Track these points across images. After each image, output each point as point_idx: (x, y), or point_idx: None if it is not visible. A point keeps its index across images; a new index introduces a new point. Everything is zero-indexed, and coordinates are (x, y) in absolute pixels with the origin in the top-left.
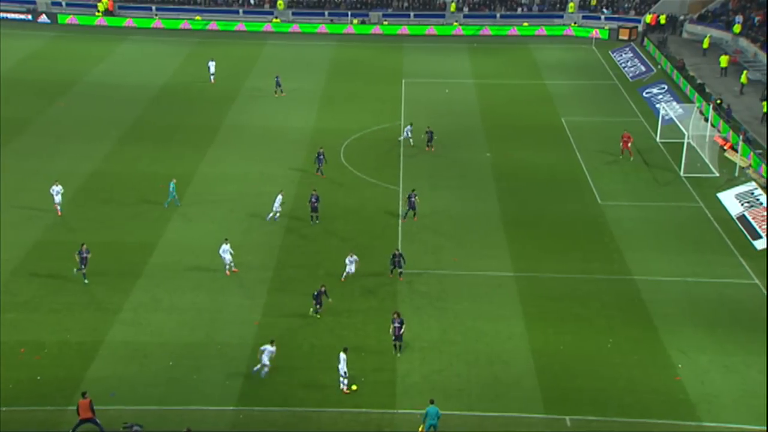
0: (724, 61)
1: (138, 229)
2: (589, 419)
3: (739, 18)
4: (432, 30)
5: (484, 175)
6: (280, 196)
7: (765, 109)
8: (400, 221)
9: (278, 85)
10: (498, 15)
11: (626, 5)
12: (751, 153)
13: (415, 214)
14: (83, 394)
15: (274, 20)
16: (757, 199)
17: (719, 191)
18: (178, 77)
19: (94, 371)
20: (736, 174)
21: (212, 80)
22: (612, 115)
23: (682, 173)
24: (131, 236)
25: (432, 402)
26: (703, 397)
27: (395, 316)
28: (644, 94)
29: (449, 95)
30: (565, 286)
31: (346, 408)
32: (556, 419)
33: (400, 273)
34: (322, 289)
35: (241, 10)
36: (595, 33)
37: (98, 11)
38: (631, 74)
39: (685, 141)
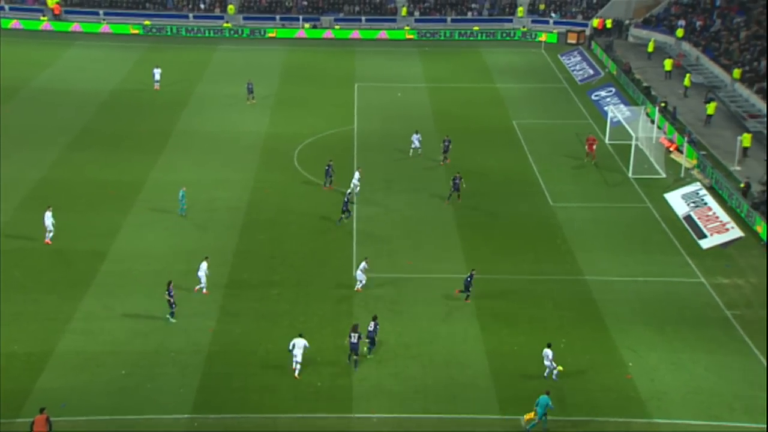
0: (668, 64)
1: (88, 236)
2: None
3: (682, 22)
4: (384, 34)
5: (436, 177)
6: (204, 264)
7: (708, 112)
8: (444, 203)
9: (250, 91)
10: (449, 19)
11: (574, 10)
12: (696, 155)
13: (459, 196)
14: (41, 410)
15: (225, 24)
16: (702, 200)
17: (666, 192)
18: (128, 83)
19: (44, 382)
20: (682, 175)
21: (157, 87)
22: (562, 118)
23: (630, 174)
24: (81, 244)
25: (547, 393)
26: (653, 394)
27: (353, 330)
28: (593, 96)
29: (402, 99)
30: (518, 288)
31: (303, 413)
32: (511, 419)
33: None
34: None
35: (191, 15)
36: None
37: (44, 16)
38: (579, 77)
39: (633, 143)
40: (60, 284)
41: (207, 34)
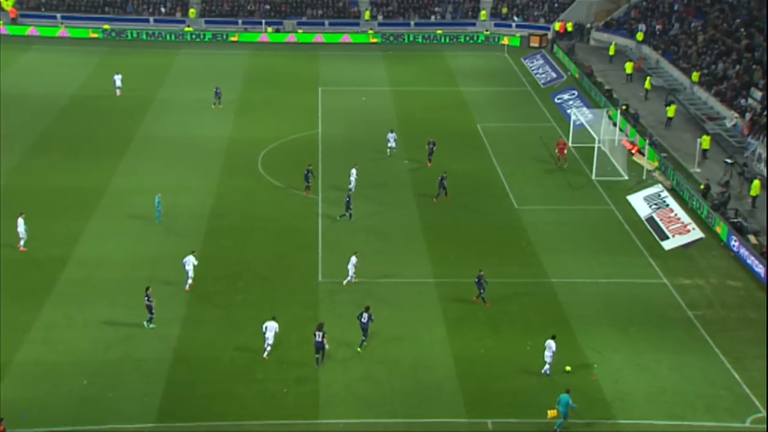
0: (629, 67)
1: (48, 244)
2: (510, 421)
3: (642, 26)
4: (347, 38)
5: (402, 182)
6: (190, 257)
7: (668, 114)
8: (433, 201)
9: (218, 96)
10: (412, 23)
11: (536, 13)
12: (657, 157)
13: (446, 194)
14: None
15: (186, 28)
16: (664, 201)
17: (629, 194)
18: (88, 88)
19: (2, 393)
20: (644, 177)
21: (118, 93)
22: (526, 121)
23: (593, 177)
24: (41, 252)
25: (567, 391)
26: (618, 395)
27: (317, 329)
28: (556, 99)
29: (366, 103)
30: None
31: (269, 420)
32: (478, 422)
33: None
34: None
35: (151, 19)
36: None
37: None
38: (542, 80)
39: (596, 145)
40: (19, 293)
41: (168, 39)
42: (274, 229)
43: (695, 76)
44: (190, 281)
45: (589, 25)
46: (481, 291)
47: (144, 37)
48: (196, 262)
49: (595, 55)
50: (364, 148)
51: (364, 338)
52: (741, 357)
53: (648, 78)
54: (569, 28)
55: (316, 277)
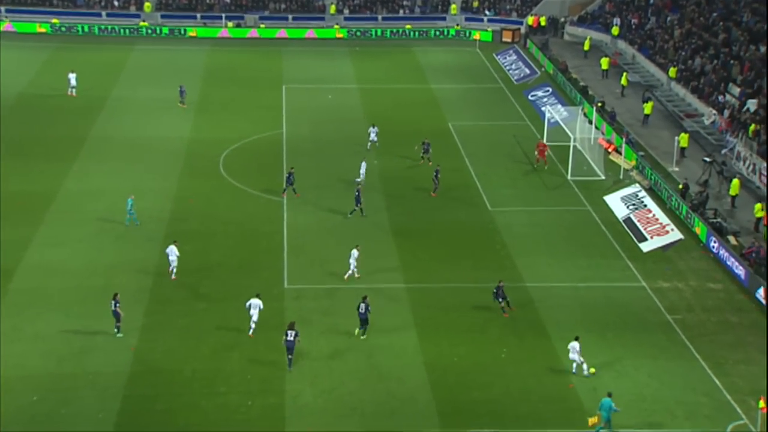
0: (604, 63)
1: None
2: None
3: (617, 20)
4: (312, 33)
5: (371, 184)
6: (173, 247)
7: (645, 111)
8: (431, 195)
9: (182, 95)
10: (380, 17)
11: (508, 7)
12: (635, 156)
13: (435, 189)
14: None
15: (142, 23)
16: (642, 201)
17: (605, 194)
18: (36, 86)
19: None
20: (621, 176)
21: (73, 93)
22: (499, 119)
23: (569, 177)
24: None
25: (609, 395)
26: (596, 403)
27: (289, 327)
28: (529, 97)
29: (333, 101)
30: (457, 296)
31: None
32: None
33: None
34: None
35: (104, 13)
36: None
37: None
38: (515, 77)
39: (571, 144)
40: None
41: (122, 33)
42: (237, 233)
43: (672, 71)
44: (173, 270)
45: (563, 20)
46: (501, 301)
47: (96, 32)
48: (178, 253)
49: (569, 51)
50: (331, 148)
51: (364, 327)
52: (722, 362)
53: (624, 74)
54: (543, 23)
55: (282, 283)
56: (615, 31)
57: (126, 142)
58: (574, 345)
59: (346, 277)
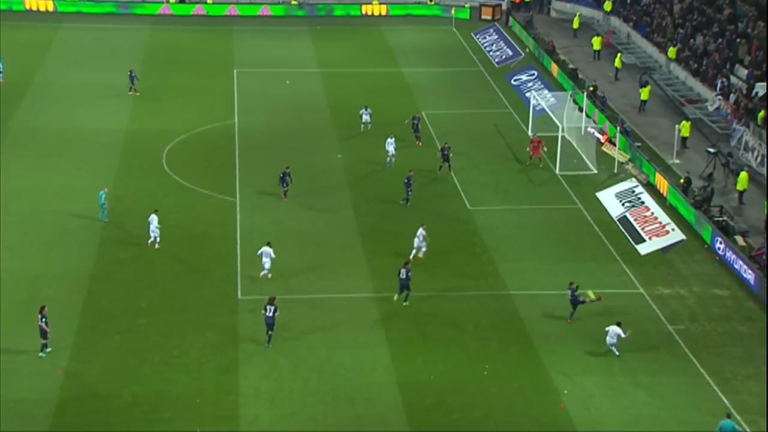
0: (596, 43)
1: None
2: None
3: None
4: (266, 10)
5: (336, 181)
6: (154, 216)
7: (642, 97)
8: (437, 173)
9: (132, 80)
10: None
11: None
12: (630, 147)
13: (450, 168)
14: None
15: None
16: (639, 198)
17: (598, 190)
18: None
19: None
20: (616, 170)
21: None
22: (478, 107)
23: (557, 171)
24: None
25: (728, 416)
26: (590, 424)
27: (269, 302)
28: (512, 81)
29: (291, 87)
30: (433, 306)
31: None
32: None
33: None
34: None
35: None
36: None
37: None
38: (497, 59)
39: (560, 134)
40: None
41: (45, 10)
42: (183, 238)
43: (672, 52)
44: (156, 239)
45: None
46: (575, 307)
47: (16, 6)
48: (159, 226)
49: (556, 29)
50: (289, 140)
51: (407, 292)
52: (730, 378)
53: (618, 55)
54: None
55: (235, 294)
56: (608, 6)
57: (53, 135)
58: (615, 329)
59: (411, 257)
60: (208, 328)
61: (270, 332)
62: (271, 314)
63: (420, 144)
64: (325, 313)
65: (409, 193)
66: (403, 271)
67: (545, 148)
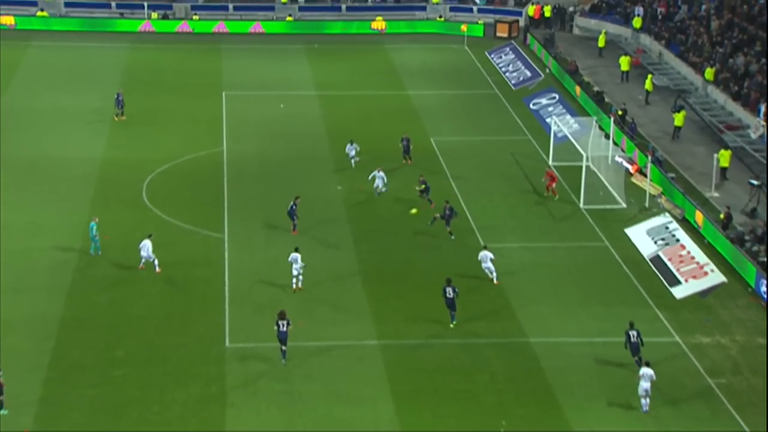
0: (624, 63)
1: None
2: None
3: (639, 10)
4: (258, 26)
5: (335, 215)
6: (147, 242)
7: (676, 123)
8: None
9: (120, 105)
10: (344, 7)
11: None
12: (663, 178)
13: (410, 158)
14: None
15: (40, 13)
16: (673, 236)
17: (627, 226)
18: None
19: None
20: (647, 204)
21: None
22: (493, 133)
23: (581, 205)
24: None
25: None
26: None
27: (280, 317)
28: (531, 105)
29: (285, 111)
30: (443, 355)
31: None
32: None
33: None
34: None
35: None
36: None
37: None
38: (513, 81)
39: (584, 164)
40: None
41: (15, 26)
42: (164, 278)
43: (709, 73)
44: (155, 261)
45: (571, 9)
46: (637, 352)
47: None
48: (150, 252)
49: (580, 48)
50: (283, 170)
51: (453, 312)
52: None
53: (649, 76)
54: (547, 13)
55: (222, 341)
56: (637, 22)
57: (20, 165)
58: (646, 372)
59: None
60: (192, 379)
61: (283, 347)
62: (284, 329)
63: (410, 162)
64: (322, 362)
65: (448, 223)
66: (449, 289)
67: (554, 185)
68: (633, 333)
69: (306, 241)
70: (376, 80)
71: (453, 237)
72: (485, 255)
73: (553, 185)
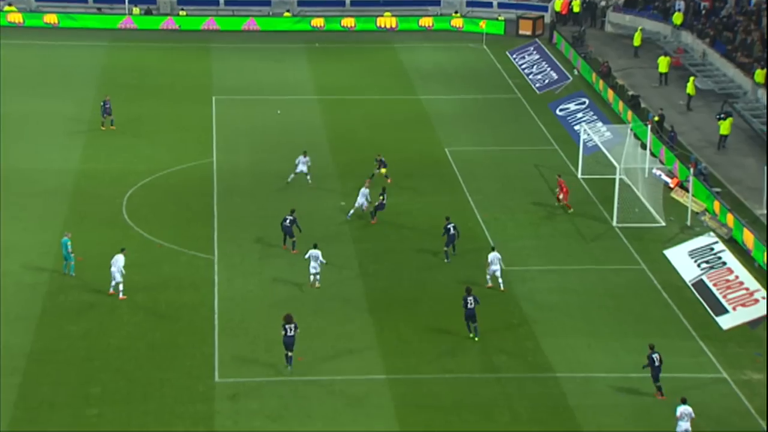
0: (663, 63)
1: None
2: None
3: (680, 4)
4: (253, 23)
5: (337, 233)
6: (120, 257)
7: (721, 131)
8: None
9: (107, 112)
10: (348, 2)
11: None
12: (708, 193)
13: (454, 248)
14: None
15: (8, 8)
16: (719, 258)
17: (667, 247)
18: None
19: None
20: (689, 222)
21: None
22: (515, 143)
23: (615, 223)
24: None
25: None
26: None
27: (286, 321)
28: (558, 111)
29: (282, 117)
30: (458, 392)
31: None
32: None
33: None
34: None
35: None
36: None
37: None
38: (538, 84)
39: (617, 177)
40: None
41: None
42: (146, 305)
43: (759, 75)
44: (115, 286)
45: (603, 3)
46: (657, 379)
47: None
48: (122, 269)
49: (613, 47)
50: (280, 184)
51: (474, 324)
52: None
53: (691, 79)
54: (575, 8)
55: (211, 376)
56: (677, 18)
57: None
58: (686, 409)
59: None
60: (176, 419)
61: (289, 353)
62: (292, 333)
63: (384, 176)
64: (323, 399)
65: (449, 246)
66: (470, 299)
67: (561, 196)
68: (656, 356)
69: (304, 262)
70: (383, 83)
71: (448, 259)
72: (495, 257)
73: (565, 196)
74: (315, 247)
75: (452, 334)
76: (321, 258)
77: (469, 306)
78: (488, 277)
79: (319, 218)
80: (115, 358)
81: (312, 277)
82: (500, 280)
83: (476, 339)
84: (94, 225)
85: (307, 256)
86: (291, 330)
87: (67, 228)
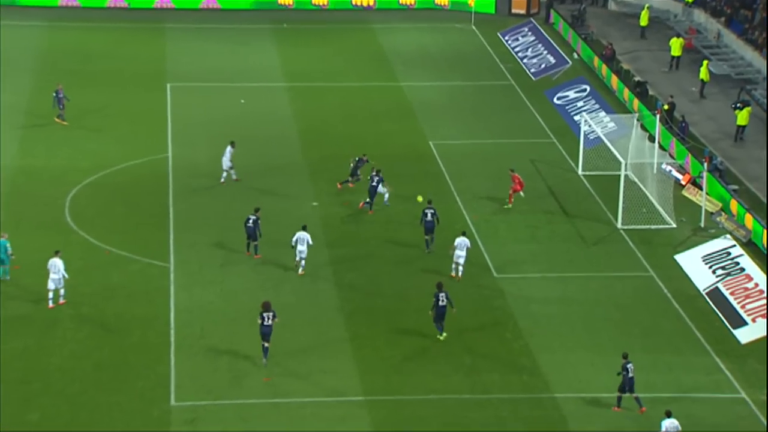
0: (676, 46)
1: None
2: None
3: None
4: (212, 0)
5: (315, 239)
6: (57, 261)
7: (739, 121)
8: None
9: (60, 104)
10: None
11: None
12: (724, 191)
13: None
14: None
15: None
16: (736, 263)
17: (678, 252)
18: None
19: None
20: (702, 224)
21: None
22: (508, 135)
23: (619, 224)
24: None
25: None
26: None
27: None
28: (555, 100)
29: (247, 107)
30: (446, 414)
31: None
32: None
33: None
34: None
35: None
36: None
37: None
38: (533, 69)
39: (622, 173)
40: None
41: None
42: (92, 319)
43: None
44: (54, 297)
45: None
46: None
47: None
48: (63, 272)
49: (617, 27)
50: (245, 181)
51: (442, 323)
52: None
53: (704, 63)
54: None
55: (167, 399)
56: None
57: None
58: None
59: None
60: None
61: (266, 344)
62: (269, 323)
63: (351, 185)
64: (294, 423)
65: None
66: (441, 296)
67: (522, 193)
68: (630, 366)
69: (273, 270)
70: (360, 69)
71: (428, 249)
72: (462, 242)
73: (520, 189)
74: (304, 228)
75: (438, 350)
76: (309, 240)
77: (440, 304)
78: (453, 265)
79: (287, 221)
80: (57, 379)
81: (298, 262)
82: (461, 268)
83: (442, 337)
84: (31, 229)
85: (294, 239)
86: (268, 318)
87: (2, 230)
